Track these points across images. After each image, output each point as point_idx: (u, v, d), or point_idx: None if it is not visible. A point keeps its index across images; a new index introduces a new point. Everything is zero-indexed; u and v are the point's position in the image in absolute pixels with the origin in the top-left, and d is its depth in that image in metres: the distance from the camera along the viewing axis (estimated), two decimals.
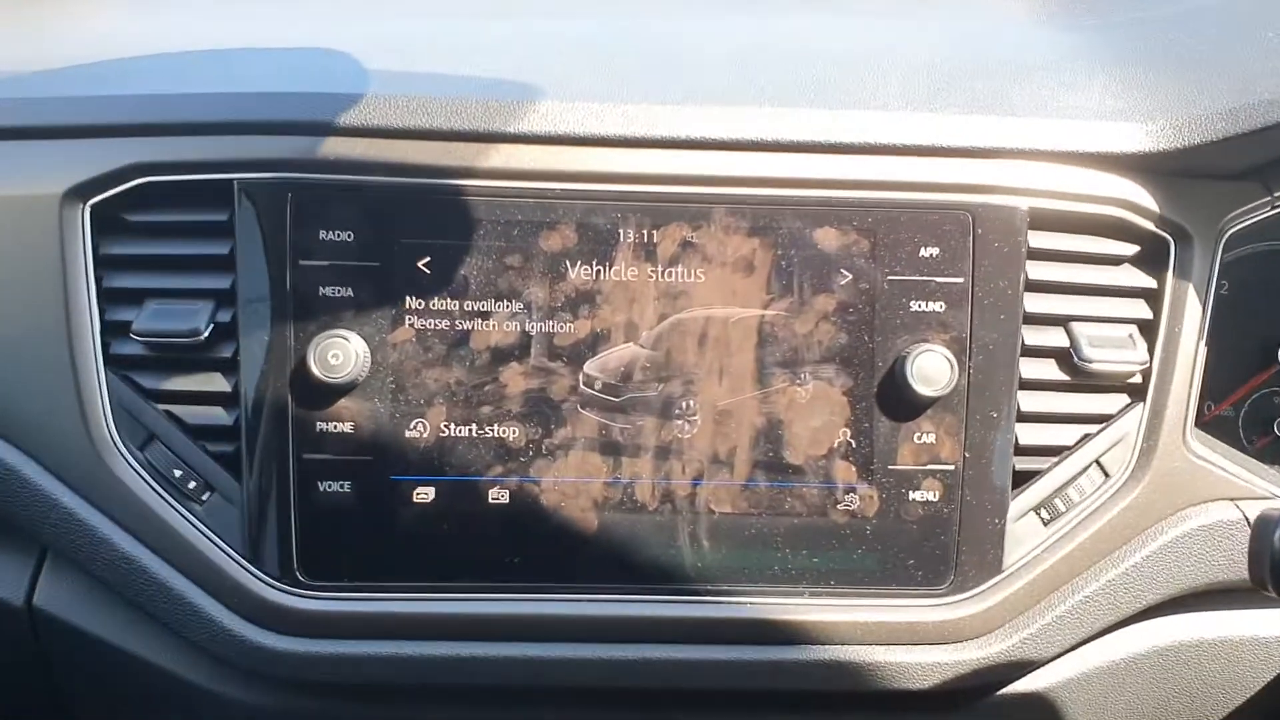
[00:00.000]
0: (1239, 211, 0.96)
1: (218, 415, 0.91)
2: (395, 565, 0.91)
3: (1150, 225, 0.94)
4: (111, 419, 0.90)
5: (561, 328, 0.90)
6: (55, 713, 1.07)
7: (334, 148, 0.88)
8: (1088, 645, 0.98)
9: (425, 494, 0.90)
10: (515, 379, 0.90)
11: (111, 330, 0.90)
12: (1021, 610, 0.93)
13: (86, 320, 0.90)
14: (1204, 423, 1.07)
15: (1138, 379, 0.94)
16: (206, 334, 0.89)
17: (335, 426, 0.89)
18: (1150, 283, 0.95)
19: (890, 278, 0.90)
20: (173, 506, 0.90)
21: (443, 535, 0.90)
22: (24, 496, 0.91)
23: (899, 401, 0.90)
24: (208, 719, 0.99)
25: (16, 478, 0.91)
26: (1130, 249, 0.95)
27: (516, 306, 0.89)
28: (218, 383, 0.90)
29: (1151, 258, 0.95)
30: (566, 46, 0.99)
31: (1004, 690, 0.97)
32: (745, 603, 0.91)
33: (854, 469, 0.91)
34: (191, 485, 0.91)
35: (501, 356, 0.89)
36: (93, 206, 0.90)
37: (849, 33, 1.06)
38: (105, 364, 0.90)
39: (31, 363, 0.90)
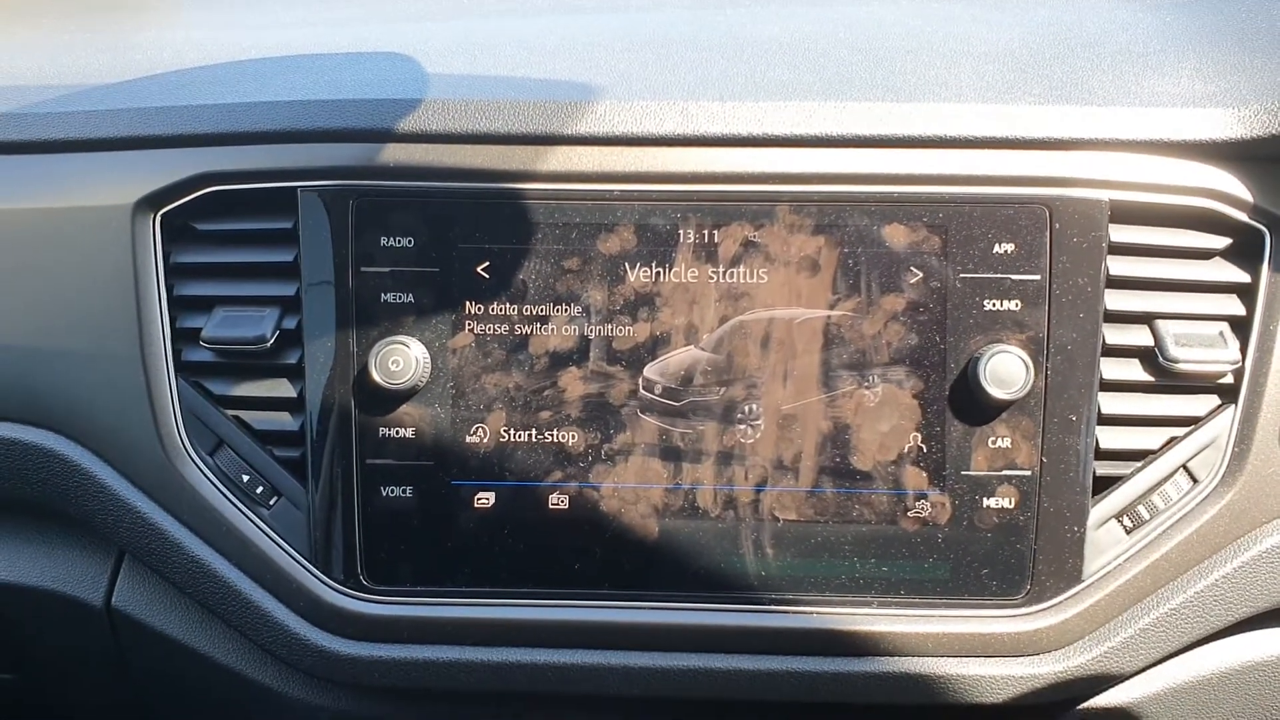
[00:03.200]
0: None
1: (284, 421, 0.92)
2: (456, 570, 0.91)
3: (1244, 216, 0.89)
4: (182, 424, 0.92)
5: (621, 331, 0.89)
6: (132, 709, 1.10)
7: (393, 154, 0.88)
8: (1174, 660, 0.94)
9: (486, 499, 0.90)
10: (574, 383, 0.89)
11: (182, 337, 0.92)
12: (1102, 622, 0.90)
13: (158, 327, 0.91)
14: None
15: (1229, 379, 0.90)
16: (272, 340, 0.90)
17: (397, 432, 0.90)
18: (1243, 277, 0.90)
19: (962, 275, 0.87)
20: (241, 511, 0.92)
21: (503, 541, 0.90)
22: (100, 500, 0.94)
23: (972, 405, 0.88)
24: (273, 719, 1.01)
25: (93, 482, 0.94)
26: (1221, 242, 0.90)
27: (575, 310, 0.89)
28: (284, 389, 0.92)
29: (1244, 250, 0.90)
30: (621, 43, 0.98)
31: (1083, 706, 0.94)
32: (811, 612, 0.90)
33: (925, 475, 0.88)
34: (259, 490, 0.92)
35: (561, 361, 0.89)
36: (163, 216, 0.92)
37: (918, 19, 1.02)
38: (176, 370, 0.92)
39: (105, 369, 0.92)
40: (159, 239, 0.92)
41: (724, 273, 0.88)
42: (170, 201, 0.91)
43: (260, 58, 0.99)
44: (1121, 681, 0.93)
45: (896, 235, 0.87)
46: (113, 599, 1.00)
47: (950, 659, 0.90)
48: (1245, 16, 0.98)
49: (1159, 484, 0.90)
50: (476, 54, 0.97)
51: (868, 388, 0.88)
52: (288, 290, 0.90)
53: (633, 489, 0.89)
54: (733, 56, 0.95)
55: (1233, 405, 0.90)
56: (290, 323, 0.91)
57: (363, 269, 0.89)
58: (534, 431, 0.89)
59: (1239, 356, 0.89)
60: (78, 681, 1.10)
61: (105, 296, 0.92)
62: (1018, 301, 0.87)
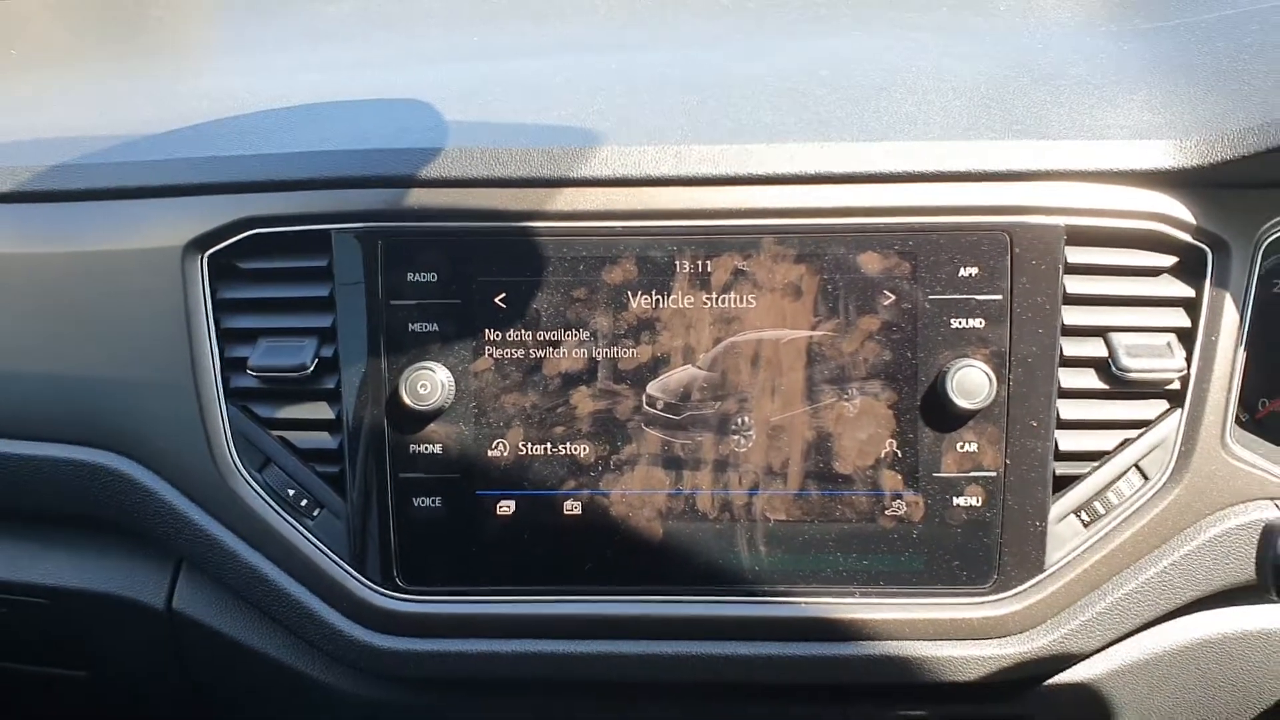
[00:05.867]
0: (1277, 219, 0.98)
1: (324, 440, 1.01)
2: (483, 571, 1.00)
3: (1188, 237, 0.97)
4: (233, 445, 1.01)
5: (625, 353, 0.97)
6: (192, 699, 1.19)
7: (417, 198, 0.97)
8: (1129, 640, 1.02)
9: (507, 507, 0.99)
10: (584, 401, 0.98)
11: (230, 366, 1.01)
12: (1063, 607, 0.98)
13: (208, 358, 1.00)
14: (1259, 419, 1.09)
15: (1176, 385, 0.97)
16: (312, 368, 0.99)
17: (426, 448, 0.99)
18: (1189, 292, 0.98)
19: (931, 297, 0.96)
20: (288, 522, 1.01)
21: (523, 544, 0.99)
22: (162, 515, 1.03)
23: (941, 414, 0.96)
24: (321, 709, 1.10)
25: (154, 498, 1.03)
26: (1168, 260, 0.98)
27: (584, 335, 0.97)
28: (323, 411, 1.00)
29: (1189, 268, 0.98)
30: (620, 86, 1.05)
31: (1048, 682, 1.02)
32: (800, 602, 0.98)
33: (900, 477, 0.97)
34: (303, 503, 1.01)
35: (571, 381, 0.98)
36: (210, 256, 1.01)
37: (890, 53, 1.10)
38: (225, 396, 1.01)
39: (162, 396, 1.02)
40: (207, 277, 1.00)
41: (716, 299, 0.97)
42: (216, 243, 1.00)
43: (292, 106, 1.08)
44: (1081, 660, 1.01)
45: (871, 262, 0.96)
46: (173, 602, 1.09)
47: (926, 642, 0.98)
48: (1194, 48, 1.05)
49: (1113, 482, 0.98)
50: (487, 100, 1.05)
51: (847, 400, 0.97)
52: (324, 322, 0.99)
53: (639, 495, 0.98)
54: (721, 98, 1.02)
55: (1179, 409, 0.98)
56: (328, 351, 0.99)
57: (391, 302, 0.97)
58: (549, 445, 0.98)
59: (1185, 365, 0.97)
60: (143, 676, 1.19)
61: (159, 330, 1.01)
62: (982, 320, 0.96)
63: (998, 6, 1.25)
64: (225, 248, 1.00)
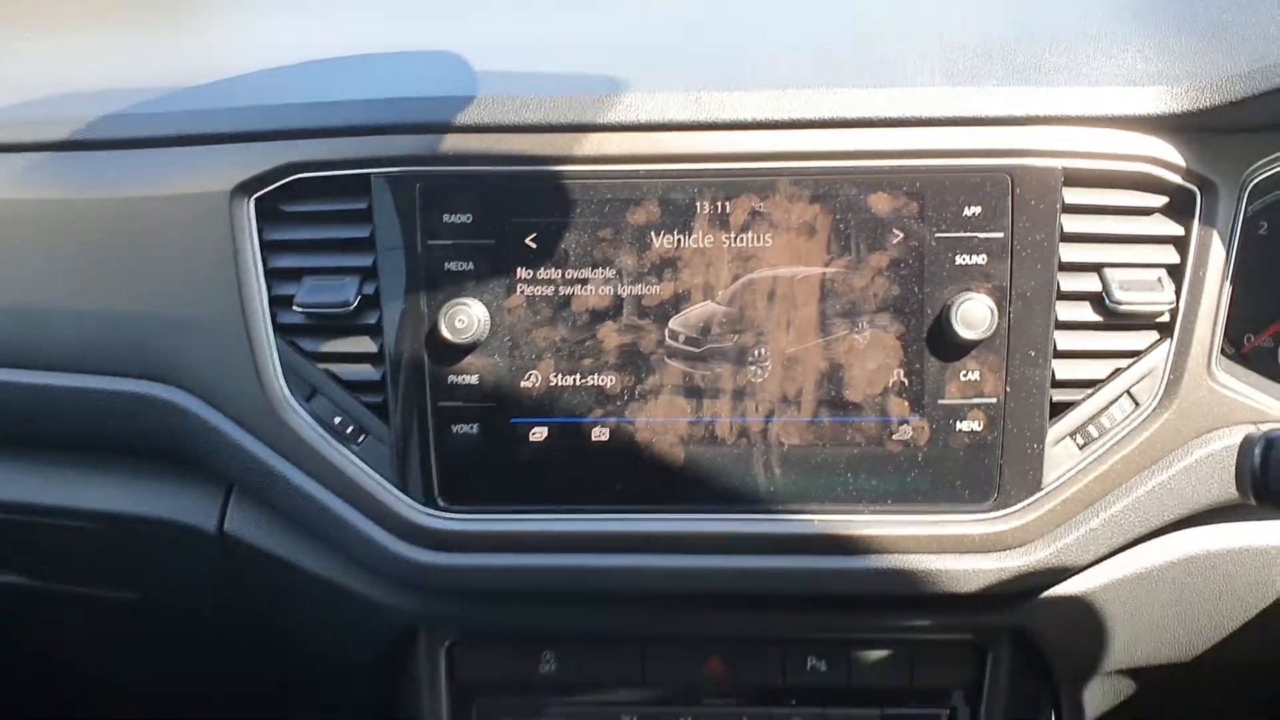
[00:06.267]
0: (1262, 162, 1.04)
1: (367, 372, 1.08)
2: (516, 492, 1.07)
3: (1178, 179, 1.03)
4: (282, 378, 1.08)
5: (649, 290, 1.04)
6: (242, 617, 1.27)
7: (453, 143, 1.03)
8: (1122, 554, 1.09)
9: (539, 433, 1.06)
10: (610, 335, 1.05)
11: (277, 303, 1.07)
12: (1058, 524, 1.05)
13: (257, 296, 1.07)
14: (1245, 353, 1.16)
15: (1165, 318, 1.04)
16: (355, 304, 1.05)
17: (463, 379, 1.05)
18: (1178, 230, 1.04)
19: (937, 235, 1.02)
20: (335, 448, 1.08)
21: (554, 467, 1.06)
22: (214, 442, 1.10)
23: (946, 344, 1.02)
24: (366, 622, 1.18)
25: (208, 427, 1.10)
26: (1159, 200, 1.04)
27: (610, 273, 1.04)
28: (366, 345, 1.07)
29: (1179, 208, 1.04)
30: (642, 37, 1.11)
31: (1044, 594, 1.09)
32: (813, 520, 1.05)
33: (907, 404, 1.04)
34: (349, 430, 1.08)
35: (599, 316, 1.04)
36: (256, 200, 1.07)
37: (898, 10, 1.16)
38: (274, 332, 1.07)
39: (214, 334, 1.08)
40: (254, 219, 1.07)
41: (735, 238, 1.03)
42: (262, 187, 1.06)
43: (329, 58, 1.14)
44: (1076, 573, 1.08)
45: (880, 203, 1.02)
46: (225, 525, 1.17)
47: (930, 555, 1.05)
48: (1187, 2, 1.11)
49: (1106, 407, 1.04)
50: (516, 51, 1.11)
51: (858, 332, 1.03)
52: (366, 261, 1.06)
53: (662, 422, 1.05)
54: (738, 48, 1.08)
55: (1168, 340, 1.04)
56: (369, 289, 1.06)
57: (429, 241, 1.04)
58: (578, 376, 1.05)
59: (1174, 298, 1.03)
60: (192, 598, 1.27)
61: (210, 270, 1.08)
62: (985, 256, 1.02)
63: None
64: (270, 191, 1.07)
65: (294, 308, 1.07)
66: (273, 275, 1.08)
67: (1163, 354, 1.05)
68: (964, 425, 1.04)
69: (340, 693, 1.36)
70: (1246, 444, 0.96)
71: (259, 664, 1.37)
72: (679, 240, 1.03)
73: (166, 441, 1.13)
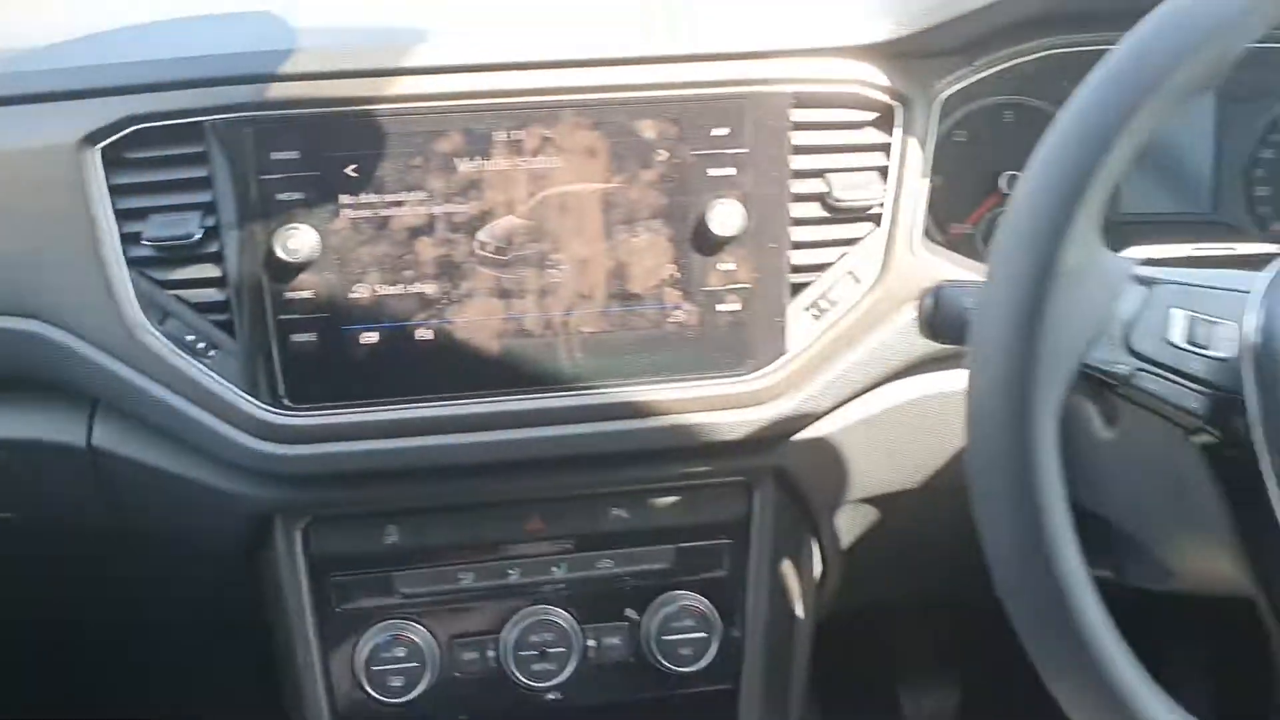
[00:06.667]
0: (948, 79, 1.28)
1: (214, 295, 1.19)
2: (353, 389, 1.21)
3: (884, 97, 1.25)
4: (137, 305, 1.18)
5: (458, 208, 1.19)
6: (112, 527, 1.38)
7: (276, 91, 1.14)
8: (854, 401, 1.31)
9: (370, 338, 1.20)
10: (427, 248, 1.19)
11: (128, 240, 1.18)
12: (801, 380, 1.26)
13: (108, 234, 1.17)
14: (952, 238, 1.38)
15: (877, 210, 1.26)
16: (199, 236, 1.17)
17: (299, 294, 1.18)
18: (886, 139, 1.26)
19: (693, 153, 1.20)
20: (190, 362, 1.19)
21: (385, 365, 1.20)
22: (79, 366, 1.20)
23: (706, 242, 1.21)
24: (229, 514, 1.30)
25: (72, 353, 1.20)
26: (870, 115, 1.26)
27: (422, 195, 1.18)
28: (211, 271, 1.19)
29: (886, 121, 1.26)
30: None
31: (795, 438, 1.31)
32: (609, 392, 1.23)
33: (679, 293, 1.23)
34: (200, 345, 1.20)
35: (415, 233, 1.18)
36: (103, 149, 1.17)
37: None
38: (127, 265, 1.18)
39: (71, 271, 1.18)
40: (100, 166, 1.17)
41: (529, 161, 1.19)
42: (106, 137, 1.16)
43: (159, 20, 1.25)
44: (819, 419, 1.30)
45: (647, 128, 1.19)
46: (92, 439, 1.28)
47: (703, 413, 1.25)
48: None
49: (834, 285, 1.26)
50: (329, 7, 1.25)
51: (635, 236, 1.21)
52: (206, 198, 1.17)
53: (477, 321, 1.21)
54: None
55: (881, 228, 1.27)
56: (210, 221, 1.17)
57: (261, 177, 1.15)
58: (401, 286, 1.19)
59: (882, 195, 1.26)
60: (68, 512, 1.36)
61: (64, 213, 1.17)
62: (733, 168, 1.20)
63: None
64: (114, 141, 1.17)
65: (143, 242, 1.18)
66: (122, 215, 1.18)
67: (878, 240, 1.27)
68: (723, 307, 1.24)
69: (208, 589, 1.50)
70: (923, 296, 1.14)
71: (135, 570, 1.48)
72: (481, 165, 1.19)
73: (30, 370, 1.23)
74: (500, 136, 1.19)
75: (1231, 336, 0.89)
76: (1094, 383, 0.93)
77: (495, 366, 1.23)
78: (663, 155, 1.21)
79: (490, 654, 1.35)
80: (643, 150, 1.21)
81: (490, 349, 1.23)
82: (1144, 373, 0.90)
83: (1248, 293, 0.91)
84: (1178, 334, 0.90)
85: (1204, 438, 0.92)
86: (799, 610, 1.46)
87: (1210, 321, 0.90)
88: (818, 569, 1.50)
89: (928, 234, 1.32)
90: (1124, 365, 0.91)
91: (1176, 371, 0.90)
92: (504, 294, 1.22)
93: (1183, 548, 1.11)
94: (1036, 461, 0.84)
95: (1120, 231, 1.42)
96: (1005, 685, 1.37)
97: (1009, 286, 0.85)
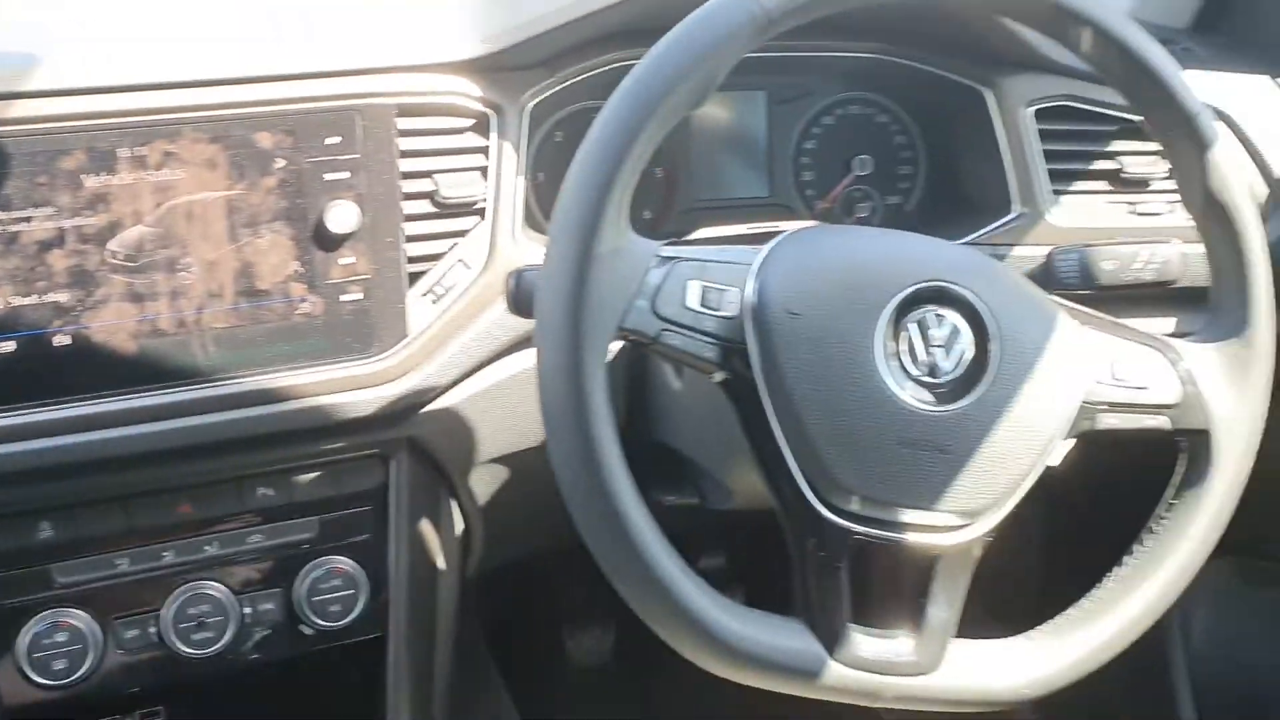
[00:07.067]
0: (533, 90, 1.48)
1: None
2: None
3: (479, 106, 1.44)
4: None
5: (86, 221, 1.27)
6: None
7: None
8: (473, 375, 1.47)
9: (9, 346, 1.27)
10: (58, 260, 1.27)
11: None
12: (422, 360, 1.42)
13: None
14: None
15: (480, 205, 1.45)
16: None
17: None
18: (485, 143, 1.45)
19: (308, 160, 1.34)
20: None
21: (25, 370, 1.27)
22: None
23: (326, 239, 1.35)
24: None
25: None
26: (469, 122, 1.44)
27: (50, 210, 1.25)
28: None
29: (483, 127, 1.45)
30: (73, 14, 1.34)
31: (423, 410, 1.46)
32: (244, 381, 1.35)
33: (305, 287, 1.37)
34: None
35: (46, 246, 1.26)
36: None
37: None
38: None
39: None
40: None
41: (153, 173, 1.29)
42: None
43: None
44: (443, 392, 1.46)
45: (265, 139, 1.32)
46: None
47: (335, 394, 1.38)
48: None
49: (447, 273, 1.43)
50: None
51: (260, 238, 1.34)
52: None
53: (114, 324, 1.30)
54: (153, 18, 1.35)
55: (484, 220, 1.46)
56: None
57: None
58: (36, 296, 1.26)
59: (484, 191, 1.45)
60: None
61: None
62: (347, 172, 1.35)
63: None
64: None
65: None
66: None
67: (483, 231, 1.46)
68: (346, 297, 1.38)
69: None
70: (508, 278, 1.29)
71: None
72: (107, 180, 1.27)
73: None
74: (124, 153, 1.29)
75: (735, 300, 1.15)
76: (633, 343, 1.15)
77: (134, 365, 1.32)
78: (280, 163, 1.35)
79: (152, 629, 1.45)
80: (261, 159, 1.34)
81: (128, 349, 1.32)
82: (668, 332, 1.14)
83: (749, 265, 1.16)
84: (694, 299, 1.14)
85: (721, 379, 1.16)
86: (441, 564, 1.63)
87: (719, 289, 1.15)
88: (460, 526, 1.68)
89: (529, 223, 1.52)
90: (652, 327, 1.13)
91: (694, 329, 1.14)
92: (137, 298, 1.31)
93: (733, 471, 1.38)
94: (589, 404, 1.06)
95: (693, 217, 1.70)
96: None
97: (558, 268, 1.06)
